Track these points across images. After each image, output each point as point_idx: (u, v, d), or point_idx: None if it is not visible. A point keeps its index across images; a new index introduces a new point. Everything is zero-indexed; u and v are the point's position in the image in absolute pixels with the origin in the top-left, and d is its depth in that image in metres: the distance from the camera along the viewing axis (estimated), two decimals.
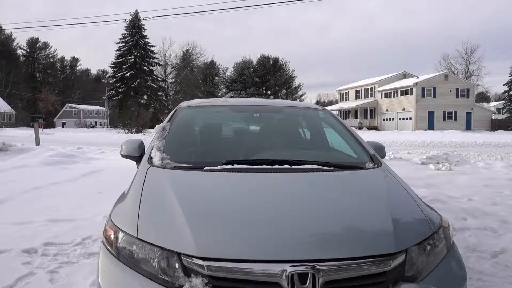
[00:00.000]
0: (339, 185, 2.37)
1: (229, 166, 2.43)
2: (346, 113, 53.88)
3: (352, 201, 2.17)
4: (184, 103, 3.66)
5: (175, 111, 3.42)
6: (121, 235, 1.87)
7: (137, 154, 3.00)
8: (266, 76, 64.00)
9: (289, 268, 1.61)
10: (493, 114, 50.75)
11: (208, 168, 2.39)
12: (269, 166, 2.44)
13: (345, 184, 2.39)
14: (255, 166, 2.44)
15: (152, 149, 2.69)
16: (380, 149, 3.16)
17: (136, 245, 1.79)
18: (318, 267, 1.63)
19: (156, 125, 2.83)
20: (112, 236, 1.90)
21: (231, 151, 2.94)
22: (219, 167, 2.41)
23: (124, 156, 3.08)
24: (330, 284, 1.64)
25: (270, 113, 3.61)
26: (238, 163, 2.47)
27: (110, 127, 53.01)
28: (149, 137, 25.67)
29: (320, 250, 1.70)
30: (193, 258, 1.66)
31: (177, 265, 1.68)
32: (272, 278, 1.61)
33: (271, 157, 2.62)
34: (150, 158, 2.58)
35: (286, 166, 2.46)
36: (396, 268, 1.73)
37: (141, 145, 3.06)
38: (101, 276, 1.81)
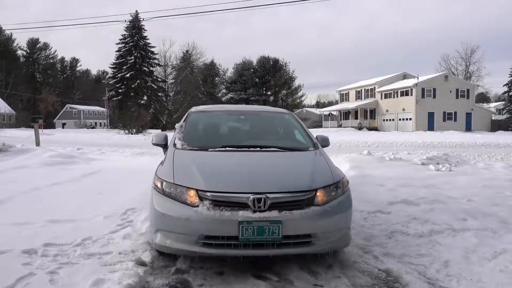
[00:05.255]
0: (287, 157, 4.03)
1: (224, 149, 3.99)
2: (346, 114, 53.85)
3: (291, 164, 3.85)
4: (193, 109, 5.20)
5: (188, 114, 4.91)
6: (164, 183, 3.40)
7: (163, 143, 4.51)
8: (266, 77, 64.01)
9: (251, 196, 3.16)
10: (493, 115, 50.66)
11: (211, 149, 3.98)
12: (247, 149, 4.05)
13: (291, 157, 4.04)
14: (239, 149, 4.04)
15: (175, 139, 4.22)
16: (325, 140, 4.65)
17: (174, 187, 3.33)
18: (267, 195, 3.17)
19: (176, 124, 4.64)
20: (159, 184, 3.44)
21: (225, 140, 4.34)
22: (217, 149, 3.98)
23: (154, 144, 4.58)
24: (273, 204, 3.16)
25: (251, 116, 5.25)
26: (229, 147, 4.04)
27: (110, 128, 52.96)
28: (150, 138, 25.62)
29: (269, 187, 3.25)
30: (203, 192, 3.22)
31: (195, 196, 3.23)
32: (244, 201, 3.16)
33: (249, 143, 4.20)
34: (174, 144, 4.12)
35: (258, 149, 4.05)
36: (310, 198, 3.29)
37: (166, 137, 4.58)
38: (155, 203, 3.36)
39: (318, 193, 3.31)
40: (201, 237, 3.13)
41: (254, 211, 3.10)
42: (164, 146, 4.47)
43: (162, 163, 3.89)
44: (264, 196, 3.13)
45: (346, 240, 3.51)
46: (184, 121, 4.67)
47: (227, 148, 3.98)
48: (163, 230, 3.27)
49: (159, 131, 37.11)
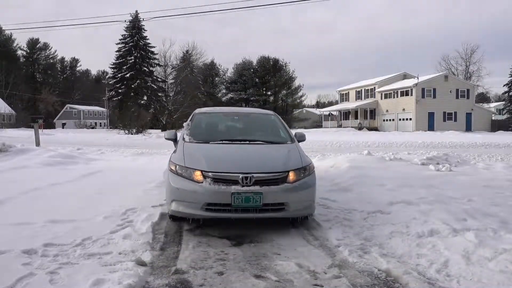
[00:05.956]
0: (269, 148, 5.19)
1: (222, 142, 5.19)
2: (346, 114, 53.83)
3: (271, 153, 5.03)
4: (197, 110, 6.43)
5: (193, 115, 6.15)
6: (177, 166, 4.55)
7: (174, 138, 5.80)
8: (266, 77, 63.69)
9: (241, 175, 4.30)
10: (493, 115, 50.62)
11: (212, 142, 5.16)
12: (239, 142, 5.25)
13: (271, 148, 5.21)
14: (233, 142, 5.26)
15: (183, 134, 5.41)
16: (302, 136, 5.85)
17: (184, 169, 4.48)
18: (252, 174, 4.32)
19: (184, 123, 6.54)
20: (173, 167, 4.58)
21: (223, 135, 5.57)
22: (217, 141, 5.18)
23: (167, 139, 5.90)
24: (256, 181, 4.30)
25: (243, 116, 6.63)
26: (226, 141, 5.26)
27: (110, 128, 52.91)
28: (150, 138, 25.67)
29: (253, 169, 4.41)
30: (206, 172, 4.36)
31: (200, 175, 4.36)
32: (235, 178, 4.30)
33: (241, 138, 5.44)
34: (183, 138, 5.28)
35: (247, 142, 5.25)
36: (283, 177, 4.45)
37: (175, 133, 5.96)
38: (171, 181, 4.50)
39: (290, 174, 4.49)
40: (204, 204, 4.29)
41: (243, 186, 4.27)
42: (175, 140, 5.76)
43: (174, 151, 5.15)
44: (250, 175, 4.30)
45: (310, 209, 4.69)
46: (190, 121, 5.99)
47: (224, 141, 5.20)
48: (177, 200, 4.42)
49: (159, 131, 37.19)
